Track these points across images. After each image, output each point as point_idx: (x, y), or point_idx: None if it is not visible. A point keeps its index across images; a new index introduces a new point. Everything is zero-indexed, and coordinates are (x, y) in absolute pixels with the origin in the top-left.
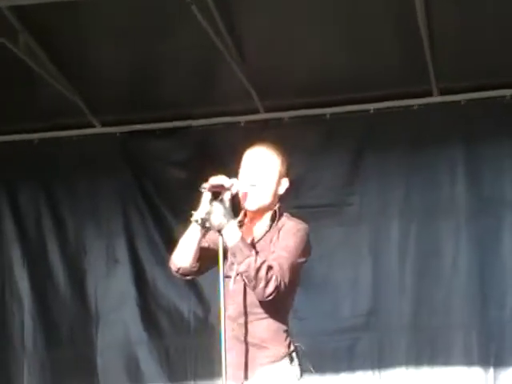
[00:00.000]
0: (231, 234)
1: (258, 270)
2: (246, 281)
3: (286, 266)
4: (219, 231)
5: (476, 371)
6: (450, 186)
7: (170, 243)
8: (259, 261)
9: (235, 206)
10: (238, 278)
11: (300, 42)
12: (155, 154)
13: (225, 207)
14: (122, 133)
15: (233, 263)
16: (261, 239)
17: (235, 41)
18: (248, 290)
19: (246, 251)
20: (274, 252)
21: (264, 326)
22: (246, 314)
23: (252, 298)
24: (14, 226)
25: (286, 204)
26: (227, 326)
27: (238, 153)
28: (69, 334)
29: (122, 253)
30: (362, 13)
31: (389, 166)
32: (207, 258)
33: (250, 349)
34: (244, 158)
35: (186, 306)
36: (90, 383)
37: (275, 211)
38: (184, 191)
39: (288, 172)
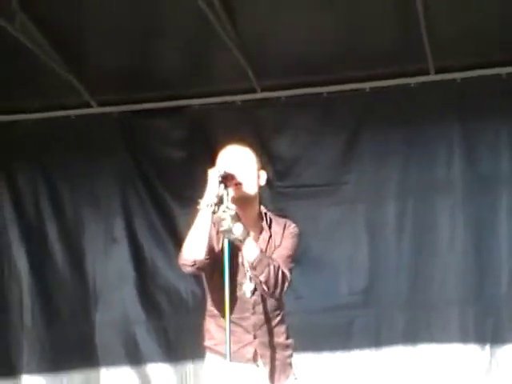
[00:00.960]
0: (252, 248)
1: (276, 276)
2: (265, 287)
3: (287, 270)
4: (239, 241)
5: (472, 348)
6: (447, 164)
7: (168, 224)
8: (276, 266)
9: None
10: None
11: (298, 21)
12: (153, 134)
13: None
14: (119, 112)
15: (247, 270)
16: (267, 246)
17: (232, 21)
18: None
19: (265, 261)
20: (276, 255)
21: (284, 329)
22: (269, 320)
23: (271, 303)
24: (12, 207)
25: (284, 184)
26: (246, 335)
27: (234, 132)
28: (67, 312)
29: (120, 232)
30: None
31: (385, 145)
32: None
33: (278, 351)
34: (220, 157)
35: (184, 286)
36: (90, 361)
37: (264, 214)
38: (181, 171)
39: (263, 165)
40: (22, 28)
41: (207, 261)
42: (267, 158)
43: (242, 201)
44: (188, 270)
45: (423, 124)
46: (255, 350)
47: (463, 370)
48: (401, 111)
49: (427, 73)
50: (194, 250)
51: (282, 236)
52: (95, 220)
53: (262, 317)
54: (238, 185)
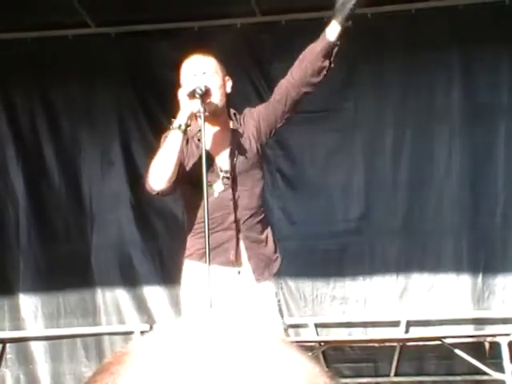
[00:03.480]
0: None
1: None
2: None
3: None
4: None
5: (465, 277)
6: (446, 91)
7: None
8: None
9: None
10: (234, 183)
11: None
12: (151, 56)
13: None
14: (117, 33)
15: (221, 170)
16: (240, 144)
17: None
18: (252, 192)
19: None
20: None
21: (269, 228)
22: (252, 215)
23: (251, 199)
24: (8, 126)
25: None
26: (228, 232)
27: (233, 55)
28: (64, 232)
29: (117, 155)
30: None
31: (384, 72)
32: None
33: (263, 247)
34: (183, 68)
35: (180, 208)
36: (85, 282)
37: (233, 115)
38: (176, 93)
39: (228, 73)
40: None
41: (172, 188)
42: (266, 83)
43: (211, 115)
44: (152, 194)
45: (424, 51)
46: (237, 249)
47: (455, 299)
48: (402, 38)
49: None
50: (159, 179)
51: (250, 117)
52: (92, 141)
53: (244, 212)
54: (209, 98)
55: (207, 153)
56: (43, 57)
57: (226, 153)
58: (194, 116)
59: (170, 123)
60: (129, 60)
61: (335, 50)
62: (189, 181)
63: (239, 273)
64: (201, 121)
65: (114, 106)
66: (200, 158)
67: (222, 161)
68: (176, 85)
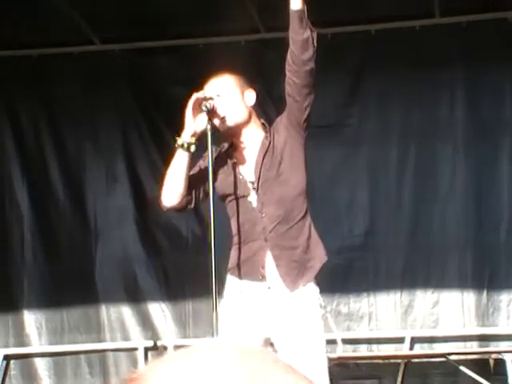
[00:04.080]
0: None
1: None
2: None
3: None
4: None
5: (470, 294)
6: (450, 108)
7: (170, 163)
8: None
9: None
10: (260, 192)
11: None
12: (155, 73)
13: None
14: (121, 50)
15: (249, 182)
16: (266, 153)
17: None
18: (281, 199)
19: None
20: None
21: (306, 231)
22: (282, 222)
23: (282, 206)
24: (13, 143)
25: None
26: (257, 242)
27: (238, 72)
28: (68, 248)
29: (121, 171)
30: None
31: (388, 88)
32: (200, 186)
33: (296, 253)
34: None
35: (185, 225)
36: (89, 298)
37: (263, 123)
38: (184, 110)
39: (251, 86)
40: None
41: (183, 204)
42: (271, 99)
43: (233, 130)
44: (166, 211)
45: (427, 68)
46: (264, 263)
47: (460, 316)
48: (405, 55)
49: (432, 16)
50: (168, 196)
51: (280, 124)
52: (96, 158)
53: (271, 219)
54: (222, 118)
55: (235, 166)
56: (48, 74)
57: (253, 164)
58: (198, 134)
59: (175, 142)
60: (133, 76)
61: (305, 16)
62: (222, 195)
63: (269, 288)
64: (222, 137)
65: (118, 123)
66: (231, 172)
67: (249, 172)
68: (181, 101)
